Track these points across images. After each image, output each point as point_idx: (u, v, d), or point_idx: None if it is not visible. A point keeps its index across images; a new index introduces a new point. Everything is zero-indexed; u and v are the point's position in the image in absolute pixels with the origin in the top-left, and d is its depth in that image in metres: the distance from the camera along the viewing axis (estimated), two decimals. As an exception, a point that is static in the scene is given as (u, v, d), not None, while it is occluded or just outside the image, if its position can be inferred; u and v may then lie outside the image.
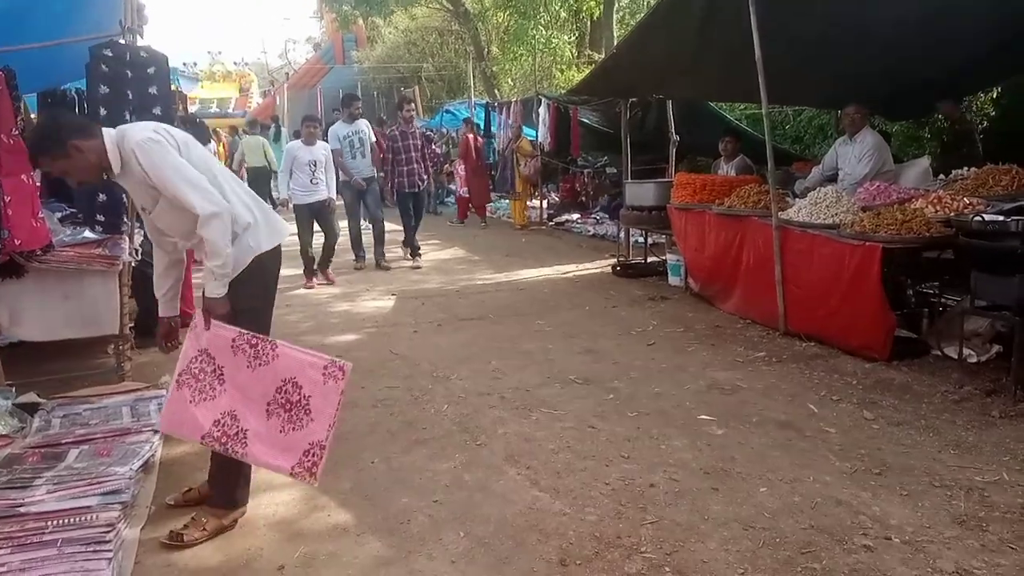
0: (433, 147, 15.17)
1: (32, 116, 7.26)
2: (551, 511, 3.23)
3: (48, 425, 4.18)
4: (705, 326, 6.19)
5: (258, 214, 3.12)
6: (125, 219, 4.92)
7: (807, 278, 5.56)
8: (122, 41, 4.61)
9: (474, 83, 21.57)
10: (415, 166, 9.17)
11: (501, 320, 6.57)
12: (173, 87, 14.66)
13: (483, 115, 15.62)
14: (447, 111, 18.67)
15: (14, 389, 4.64)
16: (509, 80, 21.59)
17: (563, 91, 13.62)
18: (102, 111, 4.45)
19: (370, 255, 9.34)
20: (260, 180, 14.26)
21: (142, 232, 4.75)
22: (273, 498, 3.42)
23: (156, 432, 4.03)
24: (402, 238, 9.71)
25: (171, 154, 2.85)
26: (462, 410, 4.44)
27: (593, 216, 12.98)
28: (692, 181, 7.22)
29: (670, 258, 7.85)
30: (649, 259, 8.73)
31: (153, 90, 4.67)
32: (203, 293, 2.99)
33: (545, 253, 10.22)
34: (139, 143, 2.81)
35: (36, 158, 3.09)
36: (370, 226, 9.29)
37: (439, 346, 5.81)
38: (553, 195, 15.26)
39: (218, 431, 3.00)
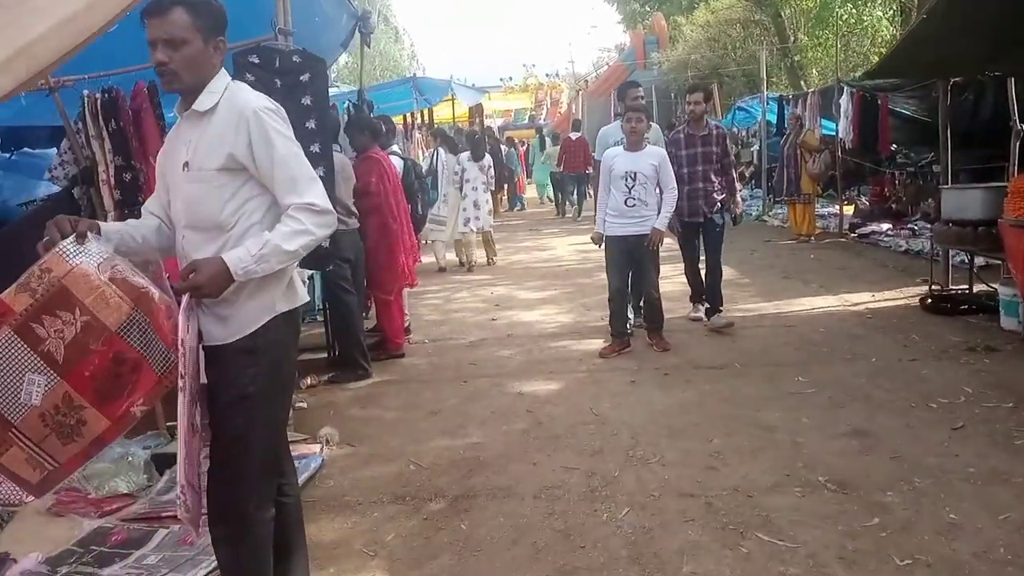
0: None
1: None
2: None
3: (171, 486, 3.70)
4: (1051, 400, 4.25)
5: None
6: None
7: None
8: (278, 45, 4.02)
9: (777, 75, 19.45)
10: (700, 185, 6.20)
11: (747, 371, 5.11)
12: (454, 100, 14.84)
13: (776, 110, 13.73)
14: (739, 108, 16.92)
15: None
16: (815, 70, 19.08)
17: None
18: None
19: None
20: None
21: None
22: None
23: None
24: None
25: (292, 136, 2.27)
26: (645, 521, 3.19)
27: (910, 226, 10.65)
28: (1038, 188, 5.16)
29: (1003, 292, 5.76)
30: (976, 288, 6.62)
31: (307, 101, 4.04)
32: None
33: (835, 275, 8.30)
34: (263, 108, 2.19)
35: (177, 11, 2.13)
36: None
37: (653, 407, 4.55)
38: (864, 200, 12.98)
39: None
